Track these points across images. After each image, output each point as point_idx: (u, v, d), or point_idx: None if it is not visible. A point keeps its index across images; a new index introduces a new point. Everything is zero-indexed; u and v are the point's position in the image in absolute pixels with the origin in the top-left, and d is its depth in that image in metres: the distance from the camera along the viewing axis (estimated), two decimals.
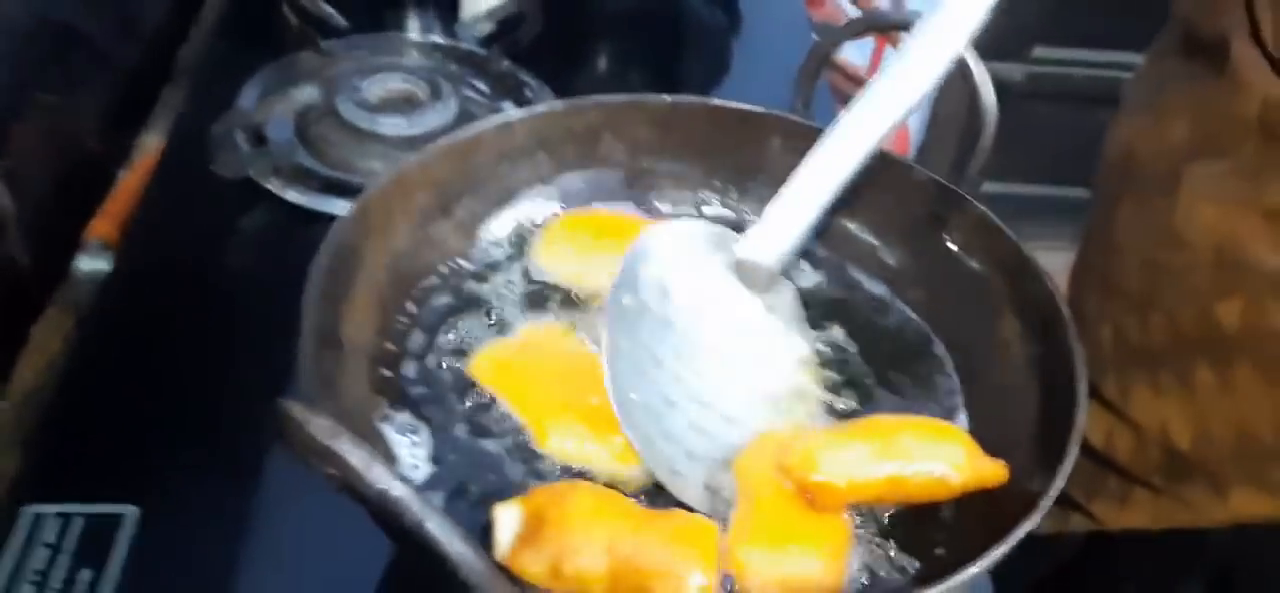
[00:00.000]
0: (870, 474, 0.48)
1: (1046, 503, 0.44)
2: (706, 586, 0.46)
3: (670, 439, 0.50)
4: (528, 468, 0.51)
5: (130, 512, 0.54)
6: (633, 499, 0.49)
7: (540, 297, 0.59)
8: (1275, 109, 0.62)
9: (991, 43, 1.97)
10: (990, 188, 2.13)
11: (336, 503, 0.43)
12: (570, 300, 0.58)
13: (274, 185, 0.73)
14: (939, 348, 0.58)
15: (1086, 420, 0.77)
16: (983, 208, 0.58)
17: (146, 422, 0.60)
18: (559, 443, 0.52)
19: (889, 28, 0.54)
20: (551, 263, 0.60)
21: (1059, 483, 0.44)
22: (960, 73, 0.57)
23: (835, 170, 0.53)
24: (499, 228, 0.62)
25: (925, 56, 0.52)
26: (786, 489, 0.49)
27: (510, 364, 0.55)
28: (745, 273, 0.54)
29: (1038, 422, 0.51)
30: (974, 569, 0.42)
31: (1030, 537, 0.87)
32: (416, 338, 0.56)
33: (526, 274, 0.60)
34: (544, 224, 0.62)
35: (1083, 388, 0.48)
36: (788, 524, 0.48)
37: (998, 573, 0.61)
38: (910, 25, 0.53)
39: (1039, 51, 2.00)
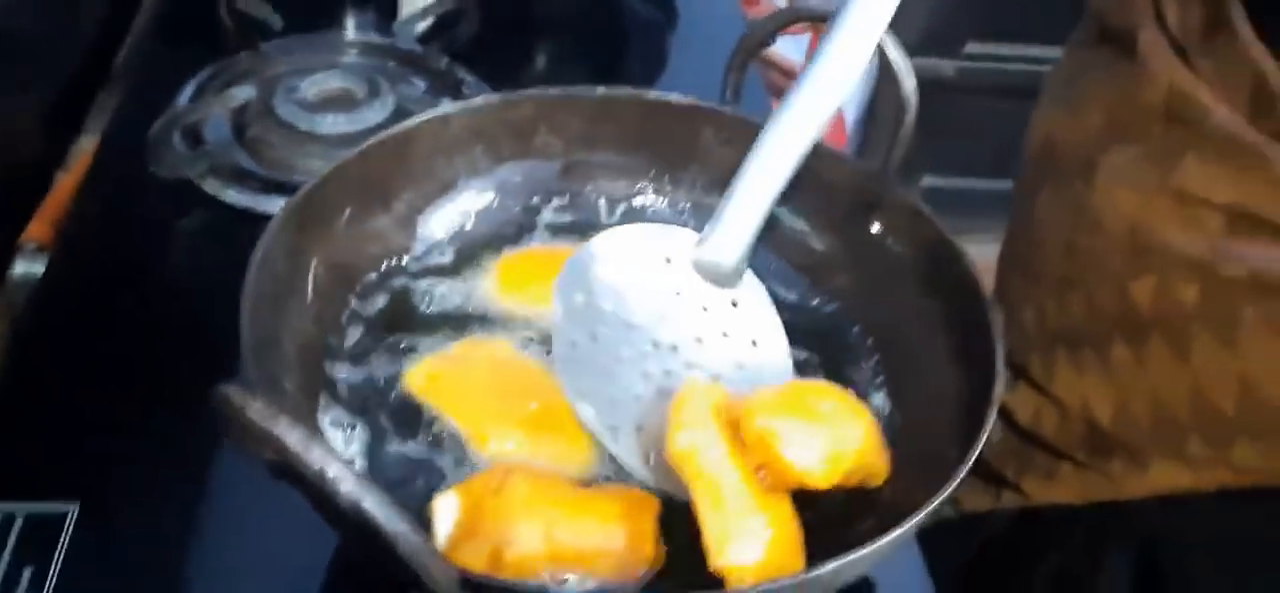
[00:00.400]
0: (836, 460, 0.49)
1: (963, 470, 0.46)
2: (648, 560, 0.48)
3: (640, 431, 0.52)
4: (465, 467, 0.52)
5: (71, 509, 0.55)
6: (570, 482, 0.51)
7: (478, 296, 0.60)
8: (1180, 95, 0.64)
9: (924, 39, 2.04)
10: (929, 181, 2.19)
11: (280, 498, 0.44)
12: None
13: (212, 186, 0.73)
14: (861, 330, 0.60)
15: (1014, 400, 0.80)
16: (907, 192, 0.60)
17: (86, 421, 0.60)
18: (499, 448, 0.53)
19: (814, 18, 0.56)
20: (508, 299, 0.61)
21: (975, 451, 0.46)
22: (882, 62, 0.58)
23: (780, 162, 0.54)
24: (439, 221, 0.63)
25: (852, 41, 0.54)
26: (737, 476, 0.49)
27: (445, 377, 0.56)
28: (706, 271, 0.56)
29: (959, 398, 0.53)
30: (896, 534, 0.44)
31: (963, 516, 0.90)
32: (355, 334, 0.57)
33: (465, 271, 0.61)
34: (500, 260, 0.63)
35: (1000, 362, 0.50)
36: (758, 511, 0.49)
37: (932, 552, 0.64)
38: (825, 16, 0.55)
39: (971, 47, 2.05)
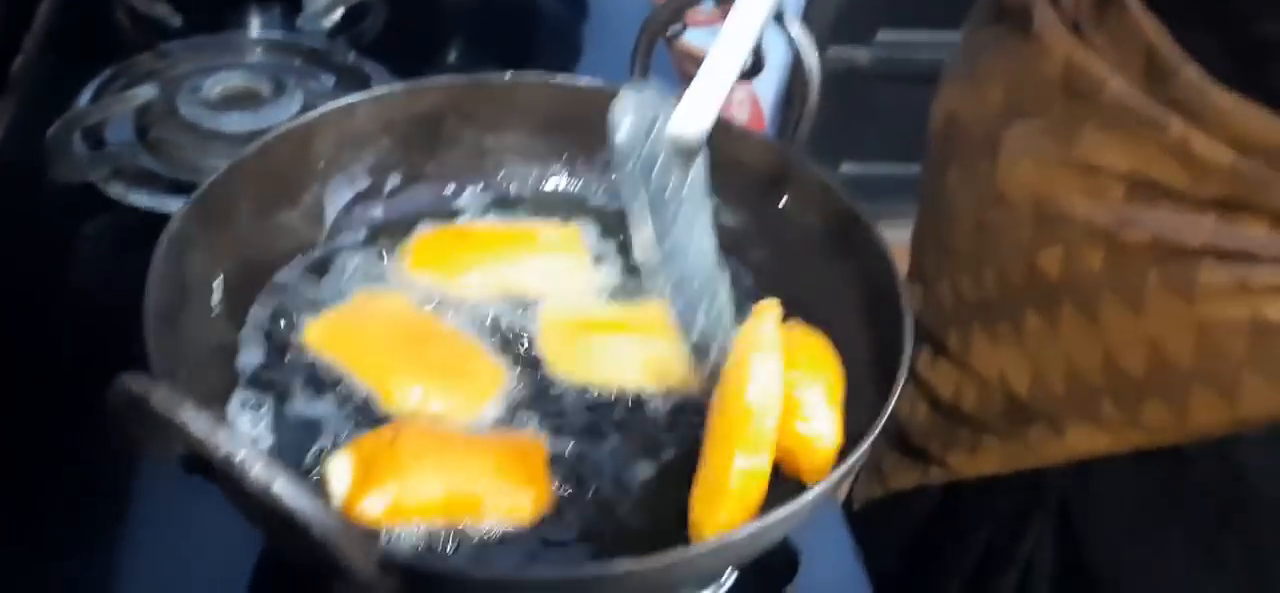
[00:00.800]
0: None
1: (876, 428, 0.47)
2: (540, 503, 0.49)
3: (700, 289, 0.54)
4: (370, 422, 0.52)
5: None
6: (460, 431, 0.52)
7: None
8: (1076, 69, 0.66)
9: (838, 27, 2.08)
10: (847, 169, 2.22)
11: (197, 504, 0.44)
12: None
13: (115, 190, 0.71)
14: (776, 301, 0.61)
15: (935, 377, 0.82)
16: (814, 167, 0.61)
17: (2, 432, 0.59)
18: (403, 399, 0.53)
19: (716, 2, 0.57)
20: (421, 276, 0.61)
21: (888, 409, 0.47)
22: (786, 50, 0.60)
23: (739, 44, 0.55)
24: (348, 213, 0.62)
25: None
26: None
27: (344, 328, 0.56)
28: (677, 146, 0.55)
29: (872, 362, 0.54)
30: (811, 494, 0.45)
31: (892, 494, 0.91)
32: (265, 324, 0.56)
33: (380, 257, 0.61)
34: (411, 237, 0.63)
35: (908, 322, 0.51)
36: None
37: (864, 531, 0.65)
38: None
39: (883, 35, 2.09)
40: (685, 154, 0.54)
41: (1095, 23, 0.65)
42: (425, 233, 0.63)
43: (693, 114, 0.53)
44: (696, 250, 0.55)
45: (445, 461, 0.49)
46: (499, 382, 0.56)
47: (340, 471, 0.48)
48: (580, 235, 0.64)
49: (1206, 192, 0.61)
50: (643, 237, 0.51)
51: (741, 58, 0.54)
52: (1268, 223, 0.60)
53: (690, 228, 0.55)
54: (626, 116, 0.52)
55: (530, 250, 0.62)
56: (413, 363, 0.54)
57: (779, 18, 0.59)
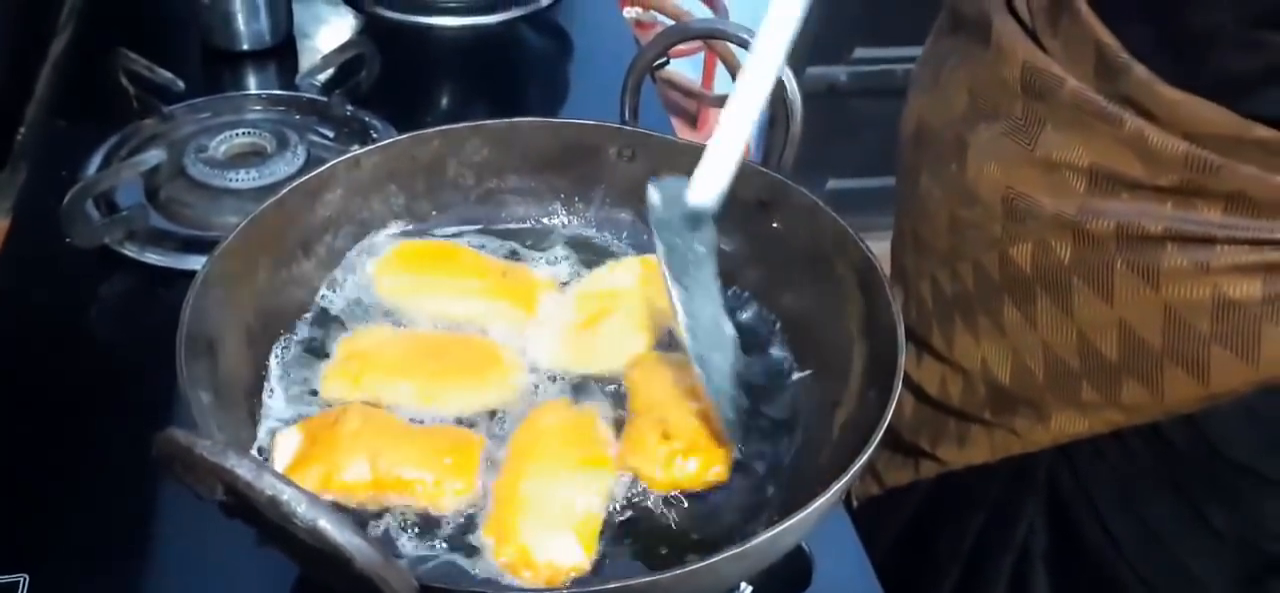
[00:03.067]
0: None
1: (877, 435, 0.49)
2: (463, 490, 0.53)
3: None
4: None
5: (21, 580, 0.55)
6: (403, 420, 0.56)
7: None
8: (1034, 71, 0.69)
9: (816, 47, 2.11)
10: (832, 184, 2.25)
11: (227, 543, 0.45)
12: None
13: (130, 250, 0.74)
14: (774, 319, 0.64)
15: (921, 373, 0.84)
16: (802, 189, 0.63)
17: (29, 491, 0.61)
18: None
19: (698, 35, 0.59)
20: (389, 288, 0.64)
21: (887, 415, 0.49)
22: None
23: (744, 118, 0.57)
24: (360, 260, 0.65)
25: (783, 15, 0.57)
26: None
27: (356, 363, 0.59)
28: (689, 217, 0.58)
29: (868, 369, 0.57)
30: (821, 501, 0.47)
31: (887, 490, 0.93)
32: (287, 370, 0.59)
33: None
34: (383, 251, 0.65)
35: (901, 329, 0.54)
36: None
37: (864, 528, 0.67)
38: (716, 33, 0.59)
39: (860, 52, 2.12)
40: (697, 226, 0.57)
41: (1049, 28, 0.68)
42: (393, 248, 0.66)
43: (708, 184, 0.57)
44: (710, 318, 0.57)
45: (379, 443, 0.53)
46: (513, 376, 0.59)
47: (285, 444, 0.53)
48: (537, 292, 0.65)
49: (1163, 180, 0.64)
50: (679, 315, 0.55)
51: (748, 129, 0.57)
52: (1222, 206, 0.63)
53: (702, 299, 0.57)
54: (657, 196, 0.56)
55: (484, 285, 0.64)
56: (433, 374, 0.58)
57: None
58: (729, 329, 0.57)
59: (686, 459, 0.55)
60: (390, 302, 0.63)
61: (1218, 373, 0.66)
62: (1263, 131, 0.60)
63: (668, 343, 0.62)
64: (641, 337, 0.62)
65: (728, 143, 0.57)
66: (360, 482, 0.52)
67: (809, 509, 0.47)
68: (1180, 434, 0.70)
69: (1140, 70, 0.63)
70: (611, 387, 0.60)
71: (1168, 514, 0.75)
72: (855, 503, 0.99)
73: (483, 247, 0.67)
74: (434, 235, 0.67)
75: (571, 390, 0.60)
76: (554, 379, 0.60)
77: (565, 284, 0.66)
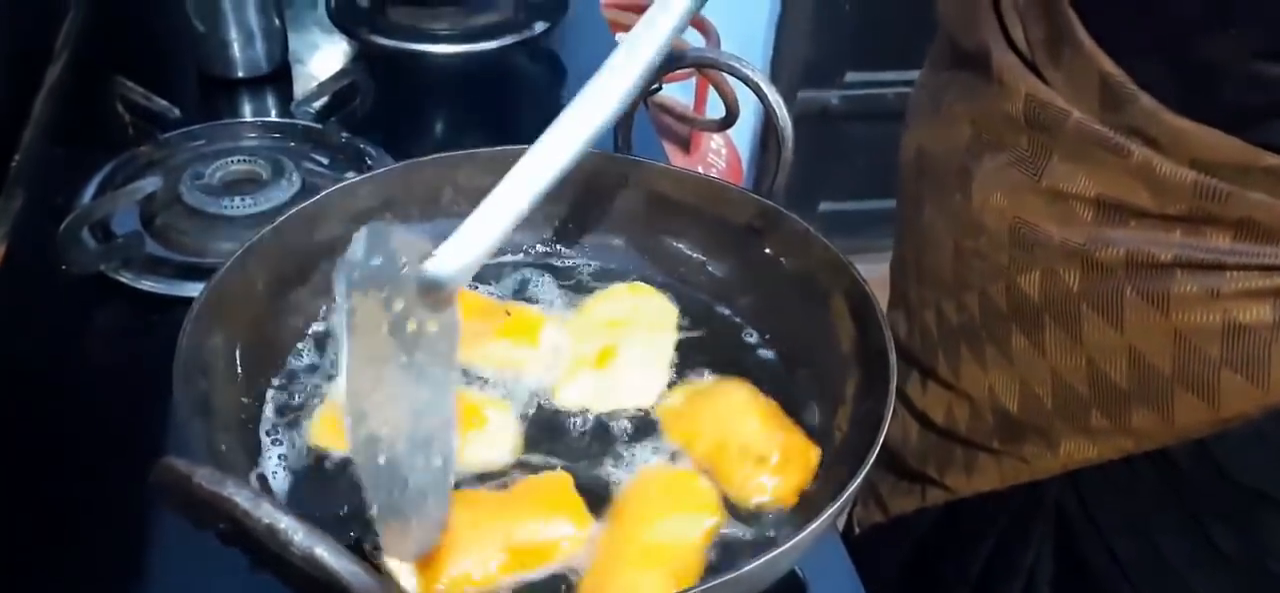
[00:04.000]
0: None
1: (870, 457, 0.49)
2: (577, 535, 0.52)
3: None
4: None
5: None
6: (493, 488, 0.55)
7: None
8: (1038, 104, 0.68)
9: (808, 72, 2.13)
10: (825, 206, 2.26)
11: (222, 579, 0.45)
12: None
13: (126, 277, 0.74)
14: (769, 345, 0.64)
15: (927, 401, 0.85)
16: (793, 215, 0.64)
17: (23, 519, 0.60)
18: None
19: (688, 66, 0.60)
20: None
21: (881, 436, 0.50)
22: (762, 104, 0.63)
23: (513, 203, 0.52)
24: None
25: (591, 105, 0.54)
26: None
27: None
28: (427, 287, 0.50)
29: (861, 397, 0.57)
30: (813, 526, 0.47)
31: (893, 519, 0.93)
32: (283, 397, 0.59)
33: None
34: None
35: (892, 360, 0.54)
36: None
37: (869, 556, 0.67)
38: (707, 63, 0.59)
39: (851, 76, 2.14)
40: (435, 300, 0.49)
41: (1050, 60, 0.68)
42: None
43: (451, 259, 0.50)
44: (410, 410, 0.49)
45: (495, 526, 0.51)
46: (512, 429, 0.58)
47: (402, 566, 0.49)
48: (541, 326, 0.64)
49: (1172, 208, 0.64)
50: (343, 373, 0.47)
51: (514, 215, 0.51)
52: (1231, 233, 0.63)
53: (415, 383, 0.49)
54: (361, 241, 0.49)
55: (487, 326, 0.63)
56: None
57: (749, 79, 0.62)
58: (450, 440, 0.49)
59: (783, 473, 0.56)
60: None
61: (1228, 397, 0.65)
62: (1271, 159, 0.60)
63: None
64: (662, 370, 0.62)
65: (490, 222, 0.51)
66: (501, 566, 0.50)
67: (801, 535, 0.47)
68: (1189, 459, 0.70)
69: (1146, 100, 0.63)
70: (624, 423, 0.60)
71: (1175, 539, 0.74)
72: (858, 530, 0.99)
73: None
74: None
75: (595, 426, 0.60)
76: (568, 423, 0.60)
77: (557, 310, 0.66)
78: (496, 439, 0.58)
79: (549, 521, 0.52)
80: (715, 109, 1.69)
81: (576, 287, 0.68)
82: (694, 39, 1.69)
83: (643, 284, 0.66)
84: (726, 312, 0.66)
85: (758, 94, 0.62)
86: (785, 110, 0.62)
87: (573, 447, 0.58)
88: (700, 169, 1.69)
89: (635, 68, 0.54)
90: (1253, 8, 0.59)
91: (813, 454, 0.57)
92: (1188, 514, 0.73)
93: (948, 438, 0.85)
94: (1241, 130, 0.61)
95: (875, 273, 0.90)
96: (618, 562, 0.52)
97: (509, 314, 0.64)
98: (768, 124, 1.92)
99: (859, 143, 2.14)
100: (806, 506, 0.55)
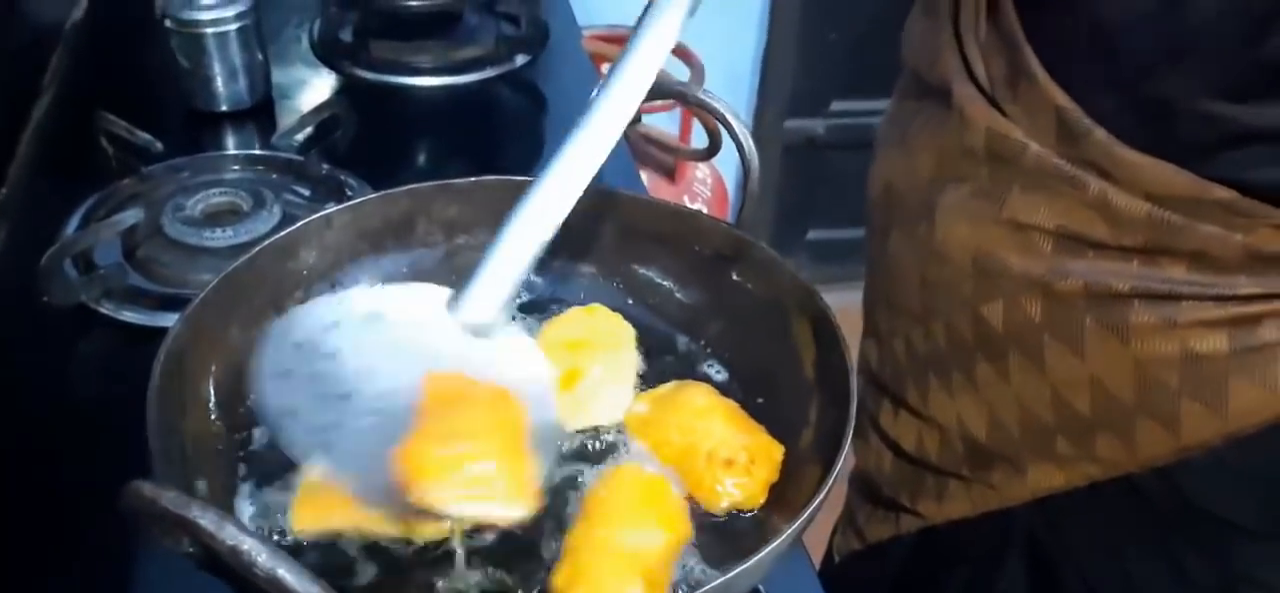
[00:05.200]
0: None
1: (830, 481, 0.50)
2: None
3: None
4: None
5: None
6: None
7: None
8: (998, 137, 0.70)
9: (795, 101, 2.15)
10: (813, 234, 2.27)
11: None
12: None
13: (107, 308, 0.75)
14: (734, 369, 0.65)
15: (898, 429, 0.86)
16: (762, 244, 0.65)
17: (5, 549, 0.61)
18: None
19: (660, 98, 0.61)
20: None
21: (840, 460, 0.51)
22: (728, 135, 0.64)
23: (537, 231, 0.57)
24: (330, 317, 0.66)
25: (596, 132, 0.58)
26: None
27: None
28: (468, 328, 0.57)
29: (823, 423, 0.58)
30: (775, 545, 0.48)
31: (869, 546, 0.94)
32: (257, 429, 0.60)
33: None
34: None
35: (853, 383, 0.55)
36: None
37: (846, 583, 0.67)
38: (678, 96, 0.61)
39: (837, 105, 2.16)
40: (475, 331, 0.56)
41: (1009, 94, 0.70)
42: None
43: (479, 303, 0.56)
44: None
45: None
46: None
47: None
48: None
49: (1128, 239, 0.66)
50: None
51: (528, 256, 0.56)
52: (1186, 263, 0.64)
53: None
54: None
55: None
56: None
57: (716, 112, 0.64)
58: None
59: (751, 474, 0.57)
60: None
61: (1188, 426, 0.67)
62: (1221, 193, 0.61)
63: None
64: (627, 385, 0.64)
65: (507, 260, 0.56)
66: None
67: (760, 554, 0.48)
68: (1155, 486, 0.71)
69: (1100, 134, 0.64)
70: (596, 440, 0.61)
71: (1146, 565, 0.75)
72: (837, 558, 1.00)
73: None
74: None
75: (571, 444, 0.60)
76: None
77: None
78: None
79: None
80: (701, 139, 1.71)
81: (544, 314, 0.69)
82: (679, 70, 1.71)
83: (598, 306, 0.67)
84: (691, 340, 0.67)
85: (725, 127, 0.63)
86: (752, 143, 0.63)
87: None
88: (685, 198, 1.70)
89: (630, 97, 0.57)
90: (1202, 47, 0.60)
91: (777, 451, 0.58)
92: (1157, 541, 0.74)
93: (919, 466, 0.86)
94: (1193, 164, 0.62)
95: (861, 301, 0.91)
96: (590, 561, 0.52)
97: None
98: (742, 164, 1.95)
99: (846, 171, 2.15)
100: (776, 506, 0.56)
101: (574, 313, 0.67)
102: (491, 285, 0.57)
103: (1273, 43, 0.58)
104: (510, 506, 0.51)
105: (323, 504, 0.55)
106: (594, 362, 0.64)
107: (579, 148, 0.57)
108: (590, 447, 0.60)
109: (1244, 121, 0.60)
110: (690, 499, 0.57)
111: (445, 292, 0.58)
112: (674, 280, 0.69)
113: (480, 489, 0.51)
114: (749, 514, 0.57)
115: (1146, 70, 0.63)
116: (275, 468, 0.57)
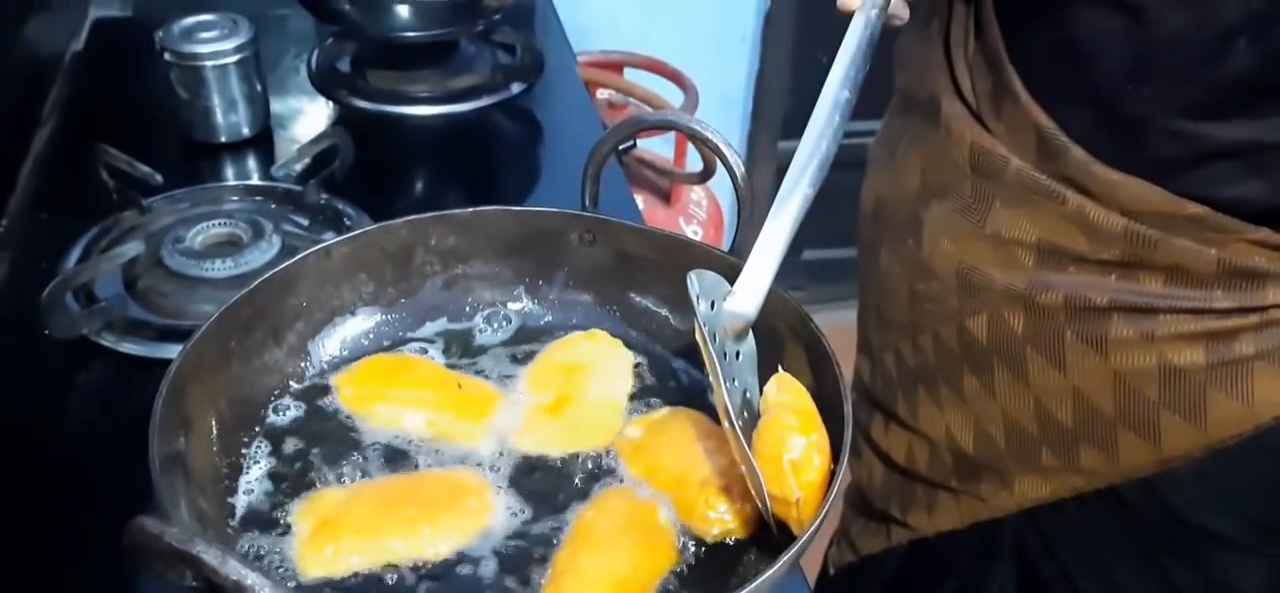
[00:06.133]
0: None
1: (829, 503, 0.51)
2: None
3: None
4: None
5: None
6: None
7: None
8: (982, 152, 0.72)
9: (788, 123, 2.16)
10: (808, 255, 2.27)
11: None
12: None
13: (108, 340, 0.76)
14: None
15: (888, 442, 0.87)
16: None
17: (8, 583, 0.62)
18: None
19: (650, 128, 0.62)
20: (349, 398, 0.65)
21: (839, 477, 0.52)
22: (722, 165, 0.65)
23: (782, 232, 0.60)
24: (330, 346, 0.67)
25: (814, 138, 0.61)
26: None
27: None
28: (728, 319, 0.60)
29: None
30: (771, 572, 0.49)
31: (862, 558, 0.95)
32: (259, 459, 0.61)
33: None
34: (338, 377, 0.66)
35: (848, 408, 0.56)
36: None
37: None
38: (668, 125, 0.62)
39: None
40: (739, 331, 0.60)
41: (992, 111, 0.72)
42: (356, 366, 0.67)
43: (747, 295, 0.59)
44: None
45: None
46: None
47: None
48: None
49: (1106, 254, 0.67)
50: (719, 398, 0.56)
51: (782, 247, 0.60)
52: (1163, 277, 0.66)
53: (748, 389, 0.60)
54: (701, 297, 0.58)
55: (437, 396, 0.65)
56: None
57: (708, 141, 0.65)
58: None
59: (744, 501, 0.57)
60: (347, 410, 0.64)
61: (1168, 438, 0.68)
62: (1194, 209, 0.63)
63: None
64: (617, 411, 0.65)
65: (765, 256, 0.60)
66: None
67: (761, 579, 0.49)
68: (1139, 497, 0.73)
69: (1078, 152, 0.66)
70: (589, 463, 0.62)
71: (1133, 575, 0.77)
72: (832, 571, 1.01)
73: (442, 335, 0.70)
74: (398, 322, 0.70)
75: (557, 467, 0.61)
76: (533, 469, 0.61)
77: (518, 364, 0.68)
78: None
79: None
80: (696, 162, 1.72)
81: (540, 341, 0.70)
82: (674, 95, 1.72)
83: (599, 331, 0.69)
84: (687, 366, 0.68)
85: (719, 157, 0.64)
86: (743, 170, 0.64)
87: (537, 489, 0.60)
88: (681, 220, 1.71)
89: (837, 101, 0.62)
90: (1168, 65, 0.62)
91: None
92: (1143, 551, 0.76)
93: (909, 477, 0.87)
94: (1166, 181, 0.64)
95: (854, 320, 0.92)
96: (575, 585, 0.54)
97: (460, 387, 0.65)
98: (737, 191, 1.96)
99: (840, 191, 2.16)
100: (767, 528, 0.56)
101: (575, 337, 0.68)
102: (752, 286, 0.60)
103: (1236, 60, 0.59)
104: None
105: (330, 545, 0.56)
106: (587, 386, 0.65)
107: (804, 152, 0.61)
108: (585, 470, 0.61)
109: (1212, 138, 0.62)
110: (683, 524, 0.58)
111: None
112: (670, 308, 0.69)
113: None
114: (736, 540, 0.58)
115: (1116, 88, 0.64)
116: (274, 502, 0.58)
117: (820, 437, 0.55)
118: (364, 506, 0.58)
